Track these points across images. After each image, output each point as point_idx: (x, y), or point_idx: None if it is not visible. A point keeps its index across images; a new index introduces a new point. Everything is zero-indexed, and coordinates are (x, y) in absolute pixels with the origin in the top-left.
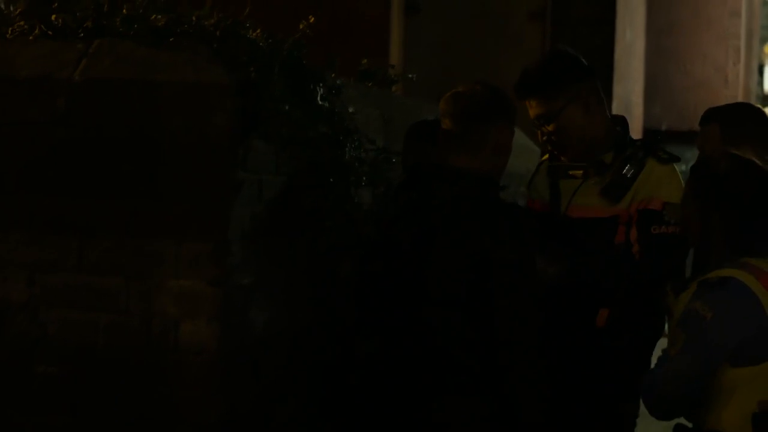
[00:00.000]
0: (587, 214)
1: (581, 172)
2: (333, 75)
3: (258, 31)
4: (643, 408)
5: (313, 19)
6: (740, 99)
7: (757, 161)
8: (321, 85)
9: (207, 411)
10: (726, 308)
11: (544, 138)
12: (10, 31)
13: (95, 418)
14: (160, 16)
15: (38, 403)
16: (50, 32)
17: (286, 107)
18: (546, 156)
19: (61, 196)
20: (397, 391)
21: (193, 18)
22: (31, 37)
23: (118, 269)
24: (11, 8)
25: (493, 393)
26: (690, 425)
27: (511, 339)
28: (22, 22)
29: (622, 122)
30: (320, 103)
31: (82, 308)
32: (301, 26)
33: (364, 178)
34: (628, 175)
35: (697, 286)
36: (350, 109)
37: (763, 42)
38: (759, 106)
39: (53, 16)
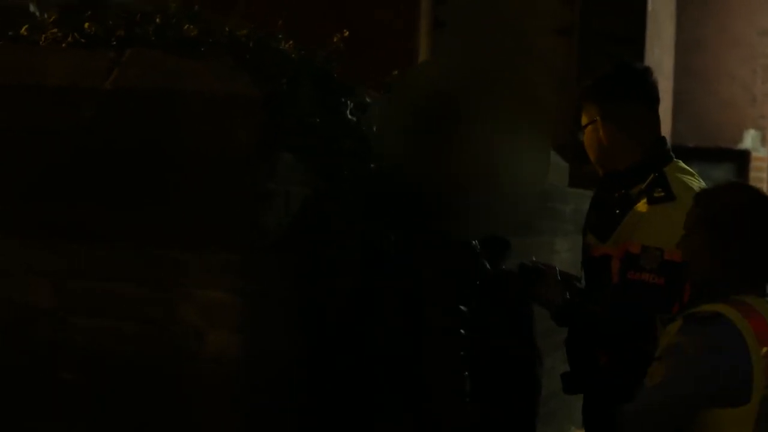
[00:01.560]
0: (593, 252)
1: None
2: (362, 89)
3: (290, 42)
4: None
5: (347, 32)
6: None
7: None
8: (350, 99)
9: (227, 422)
10: (709, 345)
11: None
12: (43, 38)
13: (116, 427)
14: (192, 26)
15: (60, 411)
16: (83, 40)
17: (316, 120)
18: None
19: (87, 204)
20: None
21: (226, 29)
22: (64, 45)
23: (143, 278)
24: (45, 16)
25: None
26: None
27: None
28: (55, 30)
29: (661, 146)
30: (349, 117)
31: (107, 317)
32: (335, 39)
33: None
34: (617, 212)
35: (684, 320)
36: (374, 127)
37: None
38: None
39: (86, 24)
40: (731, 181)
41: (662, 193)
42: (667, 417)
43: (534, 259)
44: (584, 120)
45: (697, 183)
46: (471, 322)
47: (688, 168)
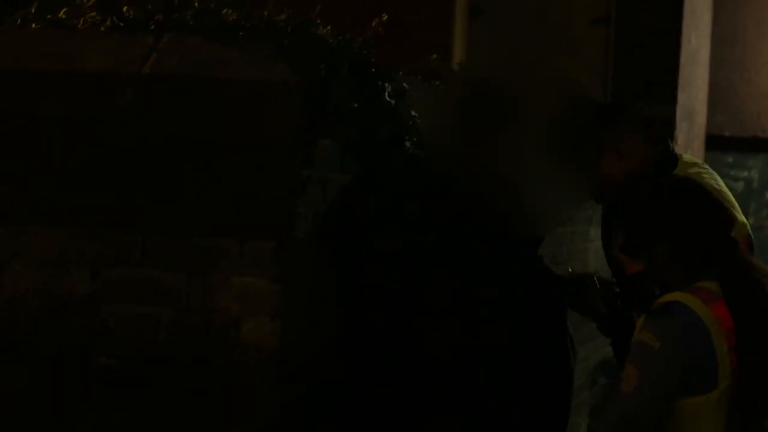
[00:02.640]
0: (628, 271)
1: None
2: (400, 75)
3: (327, 28)
4: None
5: (386, 16)
6: None
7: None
8: (388, 85)
9: (264, 409)
10: (671, 335)
11: None
12: (81, 22)
13: (153, 414)
14: (230, 11)
15: (97, 397)
16: (121, 24)
17: (355, 106)
18: None
19: (125, 192)
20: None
21: (265, 13)
22: (102, 28)
23: (180, 265)
24: (83, 0)
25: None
26: None
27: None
28: (93, 13)
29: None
30: (387, 100)
31: (144, 303)
32: (374, 23)
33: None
34: None
35: (645, 317)
36: (412, 112)
37: None
38: None
39: (124, 8)
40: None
41: None
42: (648, 418)
43: (570, 269)
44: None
45: (708, 174)
46: (518, 316)
47: (694, 160)
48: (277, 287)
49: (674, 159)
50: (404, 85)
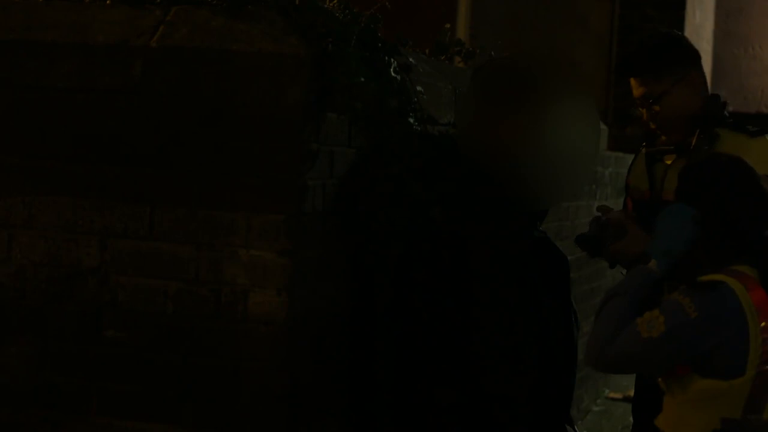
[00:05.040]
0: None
1: (674, 156)
2: (407, 49)
3: (335, 2)
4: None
5: None
6: None
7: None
8: (394, 59)
9: (272, 382)
10: (711, 313)
11: (651, 118)
12: None
13: (160, 385)
14: None
15: (105, 368)
16: None
17: (362, 79)
18: (643, 143)
19: (134, 164)
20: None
21: None
22: (108, 1)
23: (188, 238)
24: None
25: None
26: None
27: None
28: None
29: (715, 101)
30: (393, 75)
31: (152, 275)
32: None
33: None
34: (705, 147)
35: (686, 287)
36: (418, 87)
37: None
38: None
39: None
40: (713, 153)
41: (756, 128)
42: (649, 367)
43: (599, 214)
44: (644, 91)
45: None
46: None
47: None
48: (285, 260)
49: (722, 113)
50: (410, 59)
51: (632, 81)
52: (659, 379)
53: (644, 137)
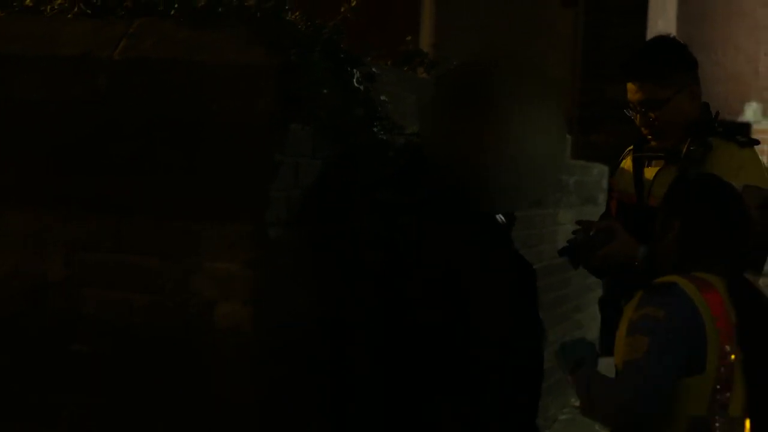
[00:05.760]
0: None
1: (663, 162)
2: (370, 60)
3: (297, 13)
4: None
5: (355, 2)
6: None
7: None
8: (357, 69)
9: (242, 394)
10: (673, 308)
11: (644, 123)
12: (49, 9)
13: (130, 399)
14: None
15: (73, 383)
16: (89, 11)
17: (325, 90)
18: (630, 147)
19: (100, 175)
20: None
21: None
22: (70, 15)
23: (155, 249)
24: None
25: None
26: None
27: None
28: (61, 0)
29: (706, 109)
30: (356, 85)
31: (119, 288)
32: (342, 9)
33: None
34: (696, 157)
35: (642, 294)
36: (382, 97)
37: None
38: None
39: None
40: (709, 174)
41: (745, 139)
42: (663, 382)
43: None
44: (645, 97)
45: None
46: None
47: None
48: (252, 271)
49: (713, 121)
50: (373, 69)
51: (631, 85)
52: None
53: (633, 140)
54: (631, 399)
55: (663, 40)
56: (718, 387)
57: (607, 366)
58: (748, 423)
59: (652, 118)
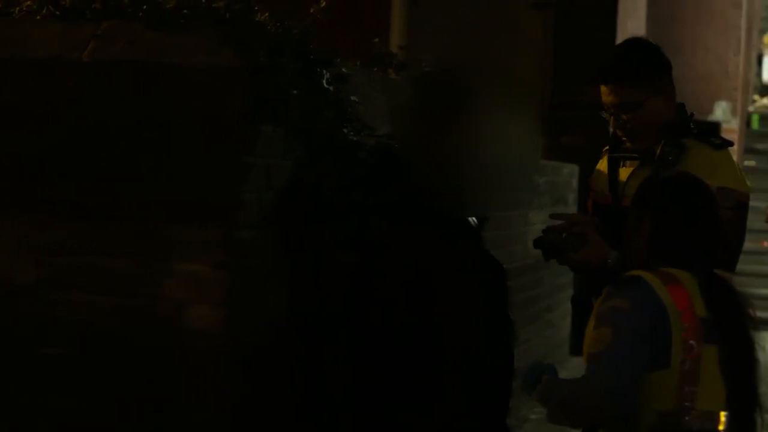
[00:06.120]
0: None
1: (637, 163)
2: (340, 61)
3: (266, 15)
4: None
5: (324, 3)
6: (739, 90)
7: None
8: (327, 71)
9: (212, 396)
10: (639, 299)
11: (618, 126)
12: (17, 10)
13: (102, 402)
14: None
15: (44, 386)
16: (57, 12)
17: (295, 92)
18: (606, 147)
19: (70, 179)
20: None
21: (203, 0)
22: (39, 17)
23: (126, 252)
24: None
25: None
26: None
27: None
28: (30, 2)
29: (683, 111)
30: (326, 86)
31: (90, 291)
32: (312, 10)
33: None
34: (670, 158)
35: (609, 288)
36: (352, 97)
37: (762, 33)
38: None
39: None
40: (683, 172)
41: (719, 141)
42: (627, 378)
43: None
44: (618, 100)
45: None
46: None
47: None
48: (222, 274)
49: (688, 122)
50: (343, 70)
51: (604, 87)
52: None
53: (608, 141)
54: (599, 395)
55: (636, 42)
56: (684, 381)
57: (580, 366)
58: (723, 416)
59: (625, 121)
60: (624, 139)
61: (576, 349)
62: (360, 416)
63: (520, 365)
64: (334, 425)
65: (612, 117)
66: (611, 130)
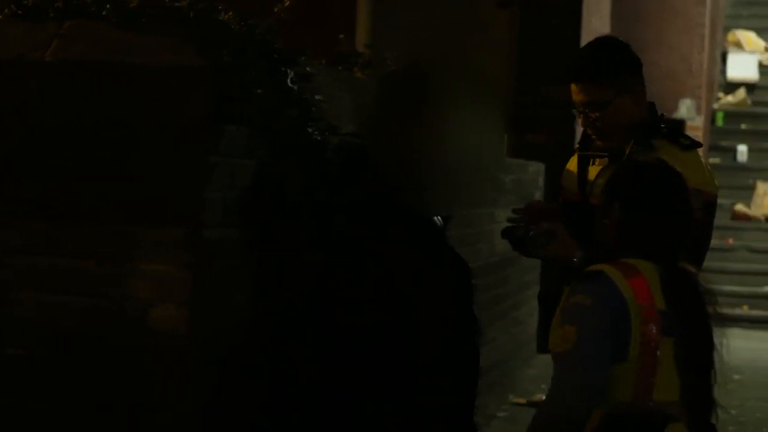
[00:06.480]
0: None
1: (606, 161)
2: (305, 59)
3: (230, 14)
4: None
5: (288, 2)
6: (704, 88)
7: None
8: (292, 69)
9: (179, 397)
10: (600, 295)
11: (589, 124)
12: None
13: (67, 403)
14: None
15: (8, 387)
16: (19, 11)
17: (259, 91)
18: (577, 145)
19: (34, 179)
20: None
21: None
22: (1, 17)
23: (90, 253)
24: None
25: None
26: None
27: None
28: None
29: (653, 110)
30: (290, 86)
31: (54, 291)
32: (276, 9)
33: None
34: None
35: (573, 284)
36: (317, 96)
37: (726, 31)
38: (721, 94)
39: None
40: (655, 157)
41: (688, 141)
42: (596, 370)
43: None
44: (587, 98)
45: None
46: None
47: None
48: (187, 274)
49: (658, 121)
50: (308, 69)
51: (574, 86)
52: None
53: (579, 139)
54: (576, 393)
55: (606, 41)
56: (642, 373)
57: (547, 363)
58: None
59: (594, 119)
60: (594, 137)
61: (543, 347)
62: (326, 415)
63: (486, 363)
64: (300, 425)
65: (582, 115)
66: (582, 128)
